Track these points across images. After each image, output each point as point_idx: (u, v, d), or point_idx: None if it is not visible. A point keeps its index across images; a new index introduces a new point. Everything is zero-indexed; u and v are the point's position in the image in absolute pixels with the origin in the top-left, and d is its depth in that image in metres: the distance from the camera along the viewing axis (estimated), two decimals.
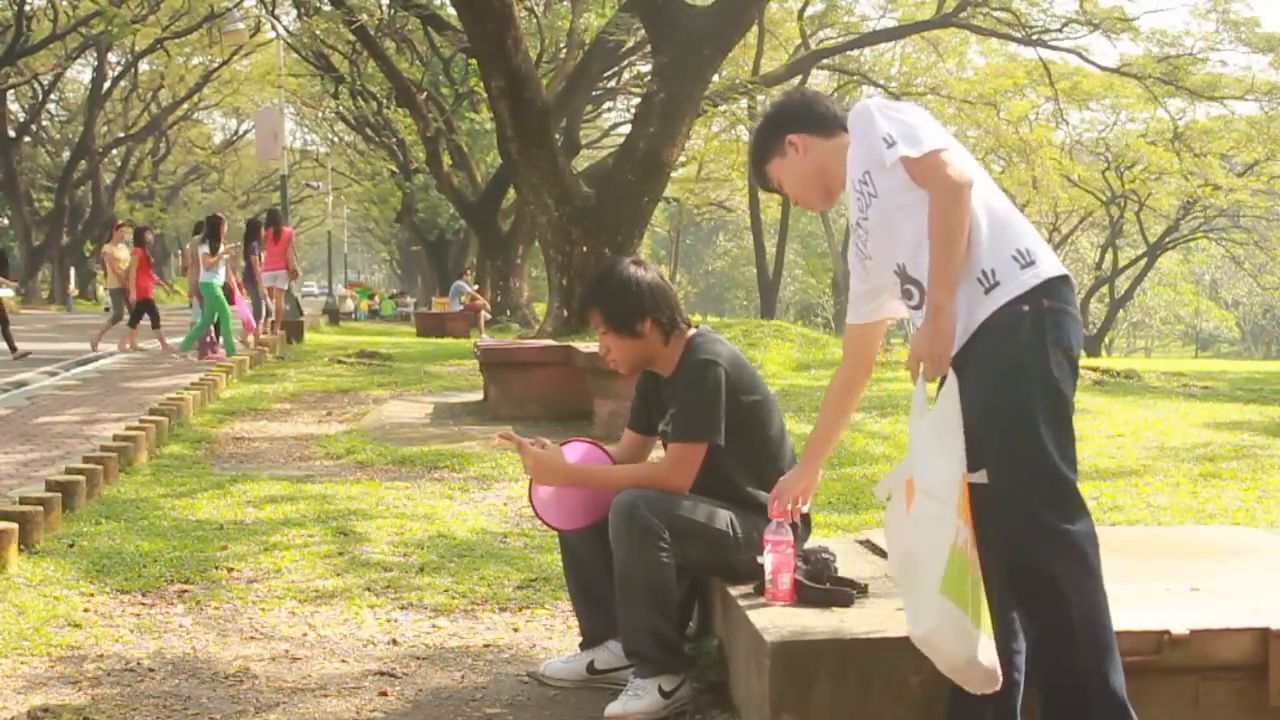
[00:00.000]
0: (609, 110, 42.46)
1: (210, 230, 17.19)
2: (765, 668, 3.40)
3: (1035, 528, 2.97)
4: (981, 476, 3.08)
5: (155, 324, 18.81)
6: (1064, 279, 3.14)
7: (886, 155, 3.18)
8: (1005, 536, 3.03)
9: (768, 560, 3.65)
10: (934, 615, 2.98)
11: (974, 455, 3.06)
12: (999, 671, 3.03)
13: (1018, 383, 3.04)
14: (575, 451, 4.20)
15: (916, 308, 3.25)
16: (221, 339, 17.48)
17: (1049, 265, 3.12)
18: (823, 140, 3.49)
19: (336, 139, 55.60)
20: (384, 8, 27.41)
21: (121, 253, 19.19)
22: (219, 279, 17.15)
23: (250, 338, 18.57)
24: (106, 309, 25.04)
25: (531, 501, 4.11)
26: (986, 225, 3.14)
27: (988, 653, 3.01)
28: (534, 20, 26.45)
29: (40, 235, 51.74)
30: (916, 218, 3.16)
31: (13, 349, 17.10)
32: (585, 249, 16.26)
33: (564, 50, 26.79)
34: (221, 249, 17.13)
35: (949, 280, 3.07)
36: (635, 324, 4.02)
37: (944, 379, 3.10)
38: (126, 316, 18.99)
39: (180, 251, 20.05)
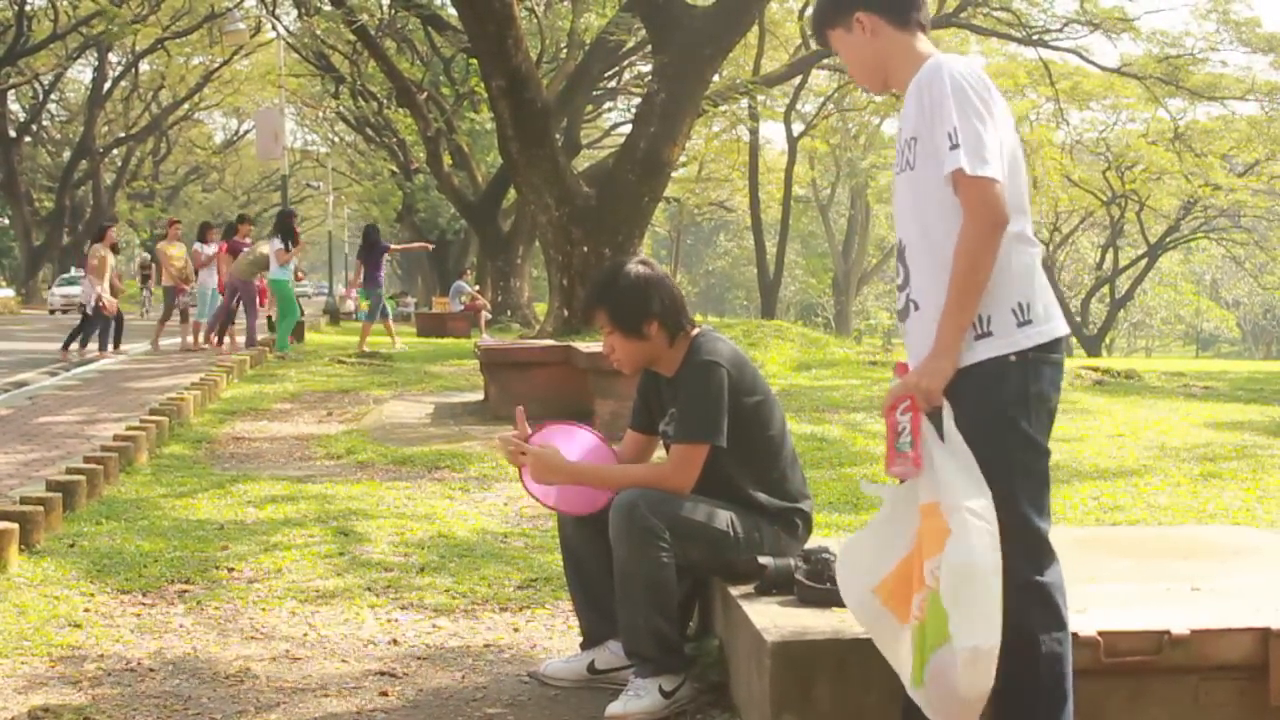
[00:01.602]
0: (610, 110, 42.50)
1: (284, 226, 17.20)
2: (766, 668, 3.40)
3: (1009, 580, 2.94)
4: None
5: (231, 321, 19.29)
6: (1058, 340, 3.08)
7: (945, 153, 2.97)
8: None
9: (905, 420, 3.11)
10: (998, 629, 2.91)
11: None
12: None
13: (999, 437, 3.01)
14: (583, 441, 4.21)
15: (900, 288, 3.19)
16: (275, 335, 17.52)
17: (1048, 326, 3.05)
18: (894, 29, 3.23)
19: (337, 139, 55.63)
20: (384, 8, 27.40)
21: (176, 250, 19.17)
22: (290, 276, 17.19)
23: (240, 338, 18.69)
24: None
25: (525, 485, 4.11)
26: (997, 277, 3.01)
27: None
28: (534, 20, 26.46)
29: (41, 235, 51.77)
30: (936, 209, 3.04)
31: None
32: (586, 249, 16.26)
33: (565, 50, 26.81)
34: (294, 248, 17.16)
35: (962, 322, 2.99)
36: (641, 325, 4.02)
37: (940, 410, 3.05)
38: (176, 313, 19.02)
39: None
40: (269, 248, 17.27)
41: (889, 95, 3.23)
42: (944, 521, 2.96)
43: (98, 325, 17.71)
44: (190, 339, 19.25)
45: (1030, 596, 2.99)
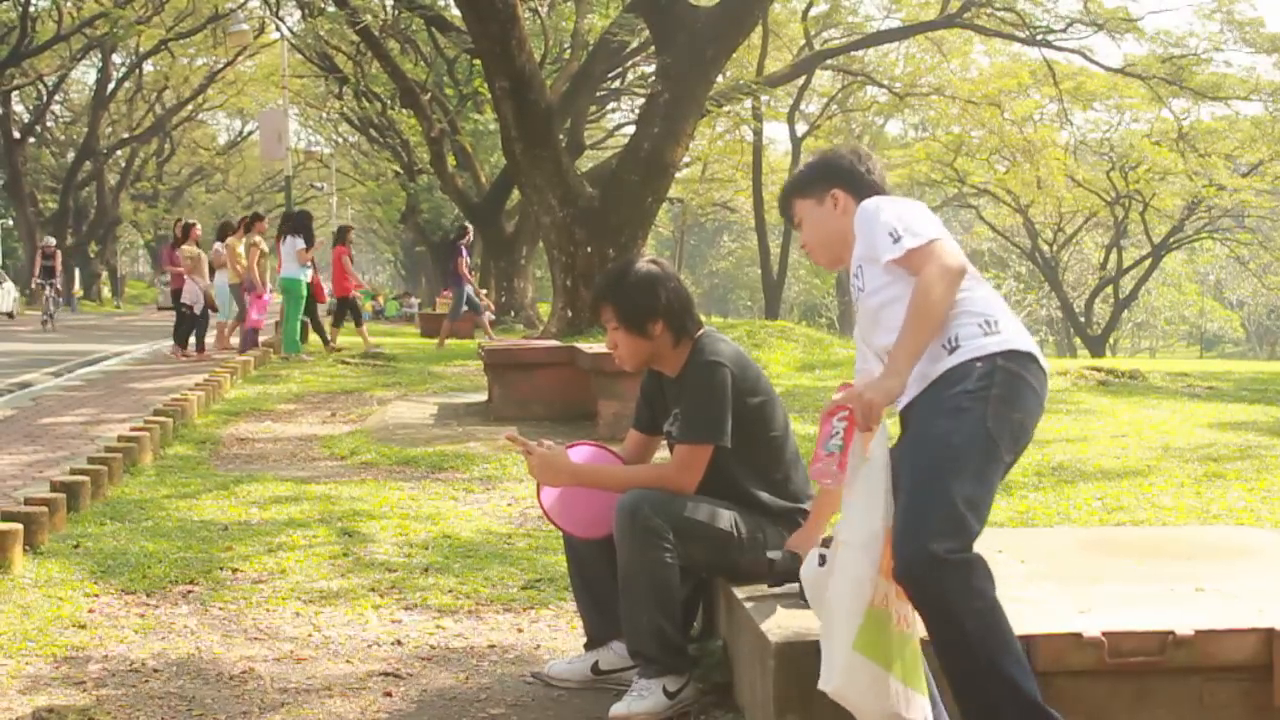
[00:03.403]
0: (613, 111, 42.48)
1: (302, 225, 17.22)
2: (770, 668, 3.40)
3: (921, 555, 2.97)
4: (914, 393, 3.21)
5: (358, 323, 19.69)
6: (1030, 355, 3.19)
7: (888, 249, 3.25)
8: (897, 562, 3.03)
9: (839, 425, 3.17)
10: (844, 672, 3.01)
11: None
12: None
13: (946, 423, 3.10)
14: (581, 454, 4.20)
15: None
16: (283, 336, 17.53)
17: (1014, 337, 3.20)
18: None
19: (341, 140, 55.62)
20: (388, 9, 27.42)
21: (243, 247, 19.13)
22: (306, 275, 17.22)
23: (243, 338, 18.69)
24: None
25: (541, 505, 4.10)
26: (961, 306, 3.23)
27: (916, 709, 3.04)
28: (538, 21, 26.48)
29: (44, 236, 51.76)
30: (891, 310, 3.28)
31: None
32: (589, 250, 16.26)
33: (568, 51, 26.81)
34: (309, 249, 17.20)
35: (914, 350, 3.13)
36: (647, 324, 4.02)
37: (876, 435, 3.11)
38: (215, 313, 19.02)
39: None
40: (285, 247, 17.24)
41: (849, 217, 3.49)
42: (839, 550, 3.11)
43: (205, 322, 18.27)
44: (235, 340, 19.22)
45: (943, 571, 2.97)
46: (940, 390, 3.17)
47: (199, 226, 19.03)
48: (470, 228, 22.92)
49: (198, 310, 17.79)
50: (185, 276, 17.83)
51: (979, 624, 2.99)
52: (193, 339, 18.16)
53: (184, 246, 17.91)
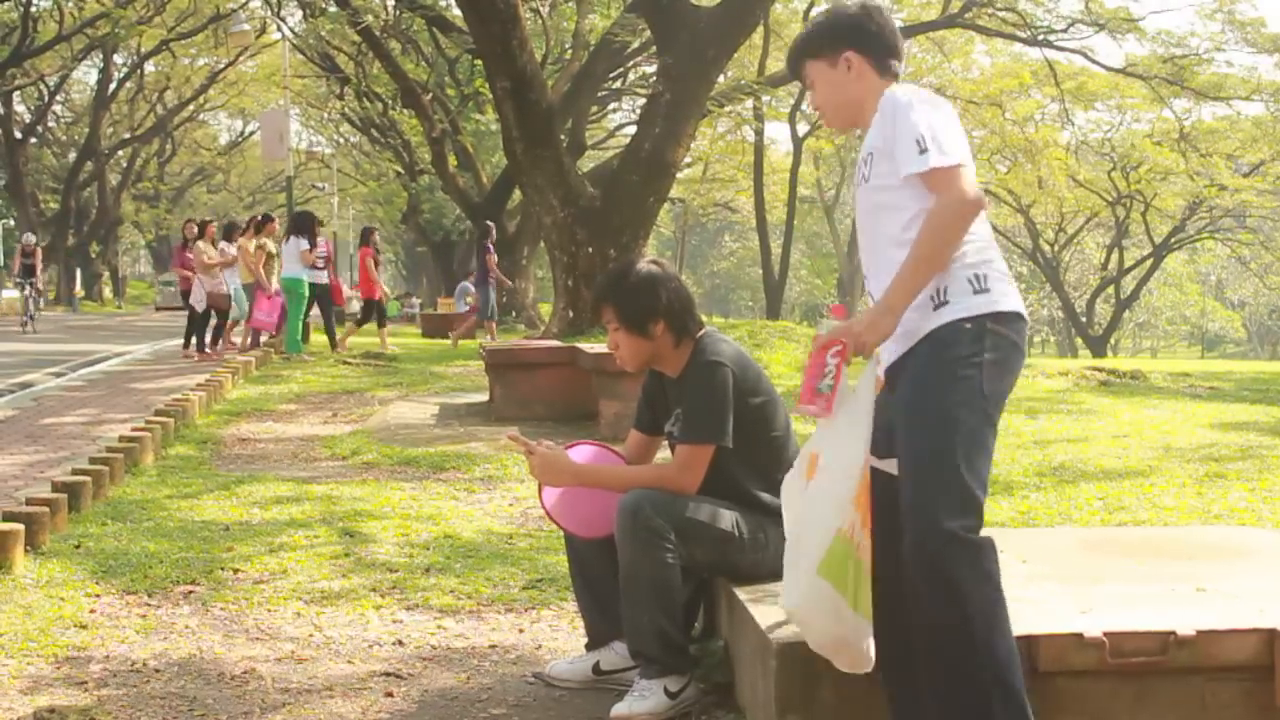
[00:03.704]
0: (614, 111, 42.50)
1: (305, 226, 17.23)
2: (771, 669, 3.40)
3: (936, 531, 2.99)
4: (891, 466, 3.15)
5: (381, 324, 19.66)
6: (1016, 314, 3.17)
7: (914, 158, 3.12)
8: (910, 537, 3.05)
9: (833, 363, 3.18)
10: (806, 594, 3.09)
11: (887, 447, 3.15)
12: (871, 656, 3.19)
13: (943, 390, 3.08)
14: (583, 454, 4.20)
15: (868, 291, 3.33)
16: (284, 335, 17.51)
17: (1004, 299, 3.15)
18: (875, 75, 3.39)
19: (342, 140, 55.62)
20: (389, 9, 27.42)
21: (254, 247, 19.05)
22: (308, 275, 17.22)
23: (263, 336, 18.67)
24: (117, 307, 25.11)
25: (543, 504, 4.10)
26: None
27: (861, 635, 3.14)
28: (539, 21, 26.46)
29: (46, 236, 51.75)
30: (890, 214, 3.21)
31: None
32: (590, 250, 16.25)
33: (569, 51, 26.81)
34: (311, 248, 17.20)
35: (913, 288, 3.10)
36: (648, 324, 4.02)
37: (867, 365, 3.17)
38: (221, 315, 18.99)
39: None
40: (288, 248, 17.24)
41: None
42: (814, 475, 3.17)
43: (205, 322, 18.17)
44: (238, 340, 19.18)
45: (955, 549, 2.98)
46: (931, 353, 3.12)
47: (215, 225, 19.01)
48: (492, 225, 23.00)
49: (199, 309, 17.77)
50: (193, 276, 17.80)
51: (983, 609, 2.99)
52: (194, 339, 18.12)
53: (199, 244, 17.86)
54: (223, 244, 18.42)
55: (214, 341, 18.36)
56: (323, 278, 17.66)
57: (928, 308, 3.13)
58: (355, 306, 37.28)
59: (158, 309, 52.40)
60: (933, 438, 3.05)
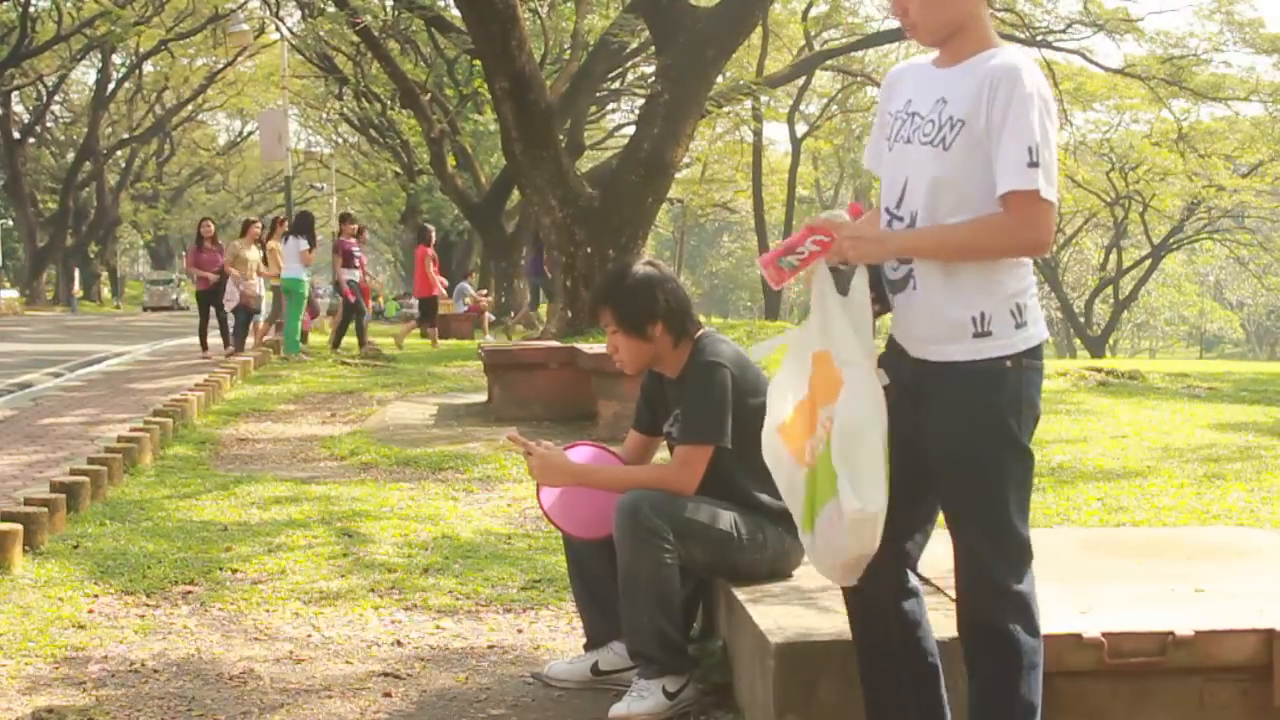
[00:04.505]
0: (613, 111, 42.50)
1: (305, 226, 17.22)
2: (770, 669, 3.40)
3: (991, 586, 2.97)
4: (931, 352, 3.01)
5: (432, 322, 20.37)
6: (1042, 345, 3.08)
7: (1020, 168, 2.84)
8: (964, 589, 3.03)
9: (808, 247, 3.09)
10: (877, 489, 2.93)
11: (921, 480, 3.03)
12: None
13: (995, 442, 2.97)
14: (581, 454, 4.20)
15: (903, 260, 3.05)
16: (283, 336, 17.49)
17: (1037, 329, 3.03)
18: None
19: (341, 140, 55.61)
20: (388, 9, 27.40)
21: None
22: (307, 276, 17.23)
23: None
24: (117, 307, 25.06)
25: (541, 505, 4.10)
26: (1006, 270, 2.99)
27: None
28: (538, 21, 26.47)
29: (45, 236, 51.84)
30: (957, 200, 2.95)
31: None
32: (589, 250, 16.24)
33: (568, 51, 26.79)
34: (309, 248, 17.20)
35: (922, 253, 2.98)
36: (645, 326, 4.02)
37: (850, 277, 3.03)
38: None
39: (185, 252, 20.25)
40: (287, 248, 17.22)
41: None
42: (838, 373, 2.99)
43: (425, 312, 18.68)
44: (251, 340, 19.16)
45: (1010, 603, 2.98)
46: (972, 396, 2.97)
47: (259, 224, 18.94)
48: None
49: (229, 309, 17.67)
50: (210, 276, 17.73)
51: (1032, 658, 2.99)
52: (233, 336, 17.92)
53: (236, 242, 17.78)
54: (234, 243, 18.34)
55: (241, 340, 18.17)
56: (355, 276, 17.91)
57: (966, 332, 2.96)
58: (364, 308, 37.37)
59: (145, 309, 52.35)
60: (984, 492, 2.97)
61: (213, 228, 18.49)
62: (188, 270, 20.20)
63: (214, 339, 18.08)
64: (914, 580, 3.20)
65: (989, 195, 2.90)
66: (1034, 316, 3.03)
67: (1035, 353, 3.02)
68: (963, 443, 2.97)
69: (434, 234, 20.99)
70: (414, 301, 24.13)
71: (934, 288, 2.99)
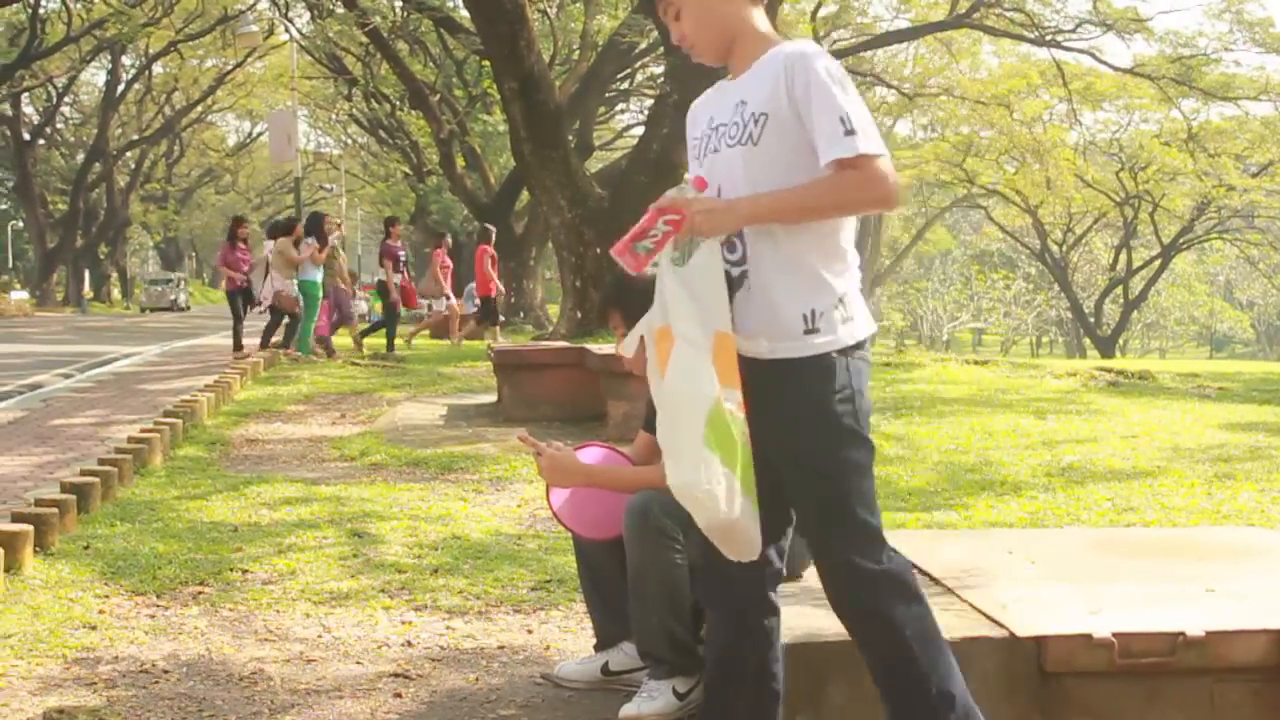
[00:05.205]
0: (622, 112, 42.55)
1: (315, 226, 17.23)
2: None
3: (854, 574, 3.01)
4: (763, 349, 3.03)
5: (494, 320, 20.42)
6: (868, 338, 3.13)
7: (838, 139, 2.89)
8: (829, 582, 3.07)
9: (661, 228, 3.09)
10: (696, 467, 2.93)
11: (774, 480, 3.05)
12: (759, 544, 3.03)
13: (828, 433, 3.01)
14: (591, 455, 4.20)
15: (735, 262, 3.07)
16: (296, 337, 17.47)
17: (864, 323, 3.08)
18: (750, 1, 3.12)
19: (350, 141, 55.73)
20: (397, 10, 27.46)
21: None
22: (320, 277, 17.24)
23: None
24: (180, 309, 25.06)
25: (550, 506, 4.10)
26: (831, 254, 3.05)
27: (750, 518, 2.99)
28: (547, 22, 26.49)
29: (54, 238, 51.97)
30: (778, 187, 2.98)
31: None
32: (598, 250, 16.27)
33: (577, 52, 26.85)
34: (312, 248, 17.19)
35: (774, 217, 2.98)
36: None
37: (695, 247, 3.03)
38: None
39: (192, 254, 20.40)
40: (297, 249, 17.21)
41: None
42: (672, 345, 3.01)
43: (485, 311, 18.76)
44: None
45: (878, 584, 3.00)
46: (806, 391, 3.02)
47: (301, 225, 18.86)
48: None
49: (263, 308, 17.60)
50: (242, 276, 17.71)
51: (918, 630, 3.01)
52: (274, 337, 17.85)
53: (278, 240, 17.69)
54: (266, 243, 18.27)
55: (285, 342, 17.92)
56: (398, 279, 18.04)
57: (797, 329, 3.01)
58: (364, 308, 37.37)
59: (143, 309, 52.37)
60: (826, 485, 3.02)
61: (248, 228, 18.49)
62: (217, 268, 20.16)
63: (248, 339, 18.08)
64: (774, 597, 3.22)
65: (809, 176, 2.95)
66: (859, 312, 3.09)
67: (862, 345, 3.08)
68: (800, 437, 3.03)
69: (494, 233, 20.98)
70: (424, 303, 24.11)
71: (768, 285, 3.03)
